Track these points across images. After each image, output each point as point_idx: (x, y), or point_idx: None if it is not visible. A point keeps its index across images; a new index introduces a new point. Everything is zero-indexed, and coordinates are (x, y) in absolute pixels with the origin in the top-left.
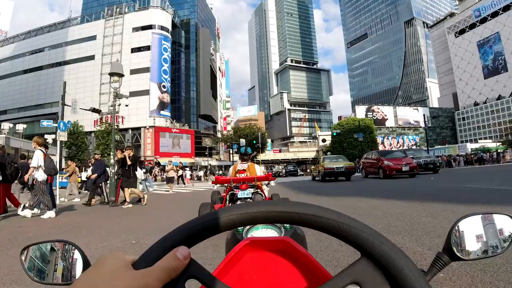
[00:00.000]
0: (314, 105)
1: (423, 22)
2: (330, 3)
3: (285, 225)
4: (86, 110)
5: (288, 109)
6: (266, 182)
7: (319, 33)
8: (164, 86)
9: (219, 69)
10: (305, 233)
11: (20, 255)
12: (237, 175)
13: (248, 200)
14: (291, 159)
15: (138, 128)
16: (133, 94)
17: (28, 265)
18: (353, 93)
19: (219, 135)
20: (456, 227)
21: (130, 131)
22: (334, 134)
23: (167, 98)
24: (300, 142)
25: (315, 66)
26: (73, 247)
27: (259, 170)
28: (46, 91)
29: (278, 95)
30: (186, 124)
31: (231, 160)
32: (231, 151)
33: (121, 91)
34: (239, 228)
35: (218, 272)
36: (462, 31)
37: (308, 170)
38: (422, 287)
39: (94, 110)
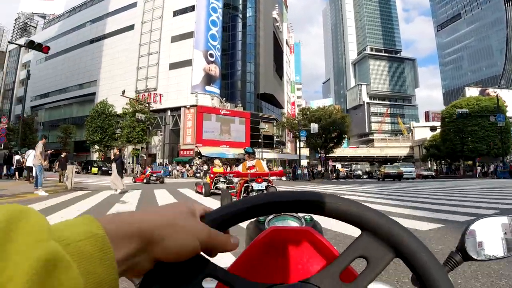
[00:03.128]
0: (396, 99)
1: None
2: None
3: (305, 217)
4: (17, 45)
5: (367, 103)
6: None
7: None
8: (211, 55)
9: (287, 43)
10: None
11: None
12: (248, 170)
13: (263, 191)
14: (376, 156)
15: (178, 108)
16: (173, 66)
17: None
18: (445, 83)
19: (284, 119)
20: (470, 228)
21: (168, 112)
22: (457, 114)
23: (215, 70)
24: (389, 138)
25: (398, 54)
26: None
27: (265, 166)
28: (86, 70)
29: (356, 88)
30: (241, 105)
31: (298, 153)
32: (297, 142)
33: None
34: (261, 218)
35: (239, 263)
36: None
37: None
38: (417, 244)
39: (30, 44)
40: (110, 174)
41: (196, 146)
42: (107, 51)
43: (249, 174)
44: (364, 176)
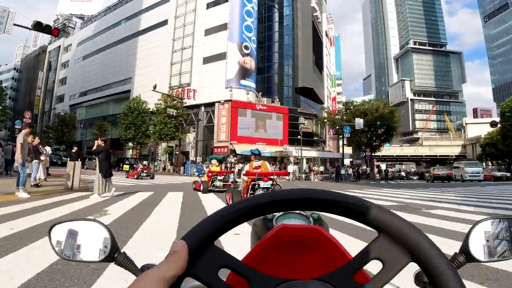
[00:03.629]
0: (442, 95)
1: None
2: None
3: (313, 215)
4: (24, 27)
5: (411, 99)
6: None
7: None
8: (246, 47)
9: (326, 35)
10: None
11: (48, 233)
12: (255, 170)
13: (269, 189)
14: (425, 155)
15: (212, 104)
16: (207, 60)
17: (56, 243)
18: (495, 78)
19: (324, 115)
20: (474, 229)
21: (202, 107)
22: None
23: (250, 63)
24: (438, 136)
25: (443, 48)
26: (101, 226)
27: (270, 166)
28: (121, 67)
29: (399, 84)
30: (278, 100)
31: (341, 152)
32: (340, 139)
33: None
34: (269, 216)
35: (250, 257)
36: None
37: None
38: (435, 251)
39: (37, 26)
40: None
41: (230, 143)
42: (141, 48)
43: (256, 173)
44: (414, 177)
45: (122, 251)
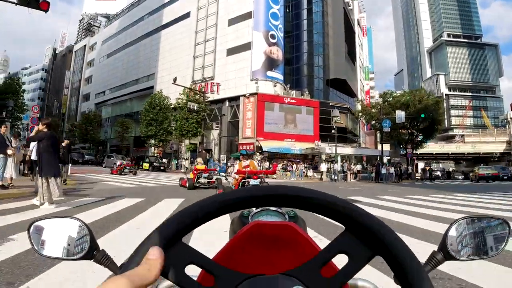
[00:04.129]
0: (479, 89)
1: None
2: None
3: (289, 212)
4: (15, 4)
5: (446, 95)
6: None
7: None
8: (273, 36)
9: (358, 24)
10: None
11: (28, 230)
12: (244, 169)
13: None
14: (467, 153)
15: (237, 98)
16: (231, 51)
17: (35, 240)
18: None
19: (358, 107)
20: (452, 228)
21: (227, 102)
22: None
23: (277, 53)
24: (482, 131)
25: (478, 40)
26: (80, 224)
27: (257, 165)
28: (144, 64)
29: (433, 78)
30: (308, 93)
31: (380, 148)
32: (378, 135)
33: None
34: (245, 212)
35: (221, 254)
36: None
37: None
38: (399, 244)
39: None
40: (162, 170)
41: (256, 140)
42: (164, 43)
43: (246, 172)
44: (460, 177)
45: (101, 248)
